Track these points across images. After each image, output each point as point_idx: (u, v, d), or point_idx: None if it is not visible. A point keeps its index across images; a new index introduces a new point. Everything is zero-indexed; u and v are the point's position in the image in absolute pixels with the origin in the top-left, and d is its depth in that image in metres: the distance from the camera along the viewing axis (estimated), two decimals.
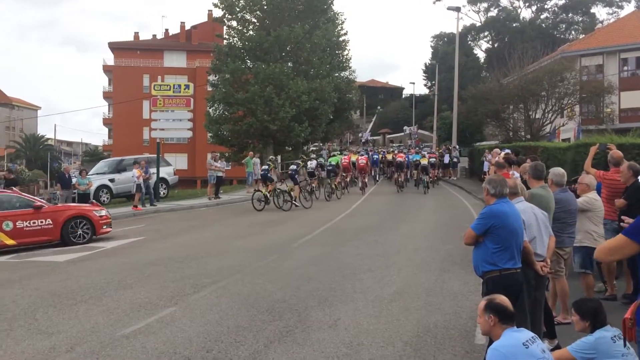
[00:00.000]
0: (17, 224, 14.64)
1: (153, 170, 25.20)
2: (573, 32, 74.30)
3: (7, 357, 6.47)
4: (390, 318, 7.66)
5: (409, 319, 7.61)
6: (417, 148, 43.54)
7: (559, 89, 33.84)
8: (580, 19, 75.07)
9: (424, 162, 30.05)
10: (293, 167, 24.21)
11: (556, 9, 76.47)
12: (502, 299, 4.46)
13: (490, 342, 4.56)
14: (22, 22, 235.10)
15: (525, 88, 33.88)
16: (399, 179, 29.74)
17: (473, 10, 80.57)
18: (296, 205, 21.92)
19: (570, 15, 75.40)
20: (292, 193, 22.28)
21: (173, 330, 7.25)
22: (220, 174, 26.31)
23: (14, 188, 19.36)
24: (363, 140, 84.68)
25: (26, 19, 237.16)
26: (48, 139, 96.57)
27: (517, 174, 10.02)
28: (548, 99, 34.12)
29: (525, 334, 4.34)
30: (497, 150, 20.40)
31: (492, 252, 5.49)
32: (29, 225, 14.84)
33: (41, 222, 15.00)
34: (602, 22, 70.46)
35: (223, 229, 17.56)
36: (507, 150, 19.32)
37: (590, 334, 4.71)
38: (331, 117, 44.11)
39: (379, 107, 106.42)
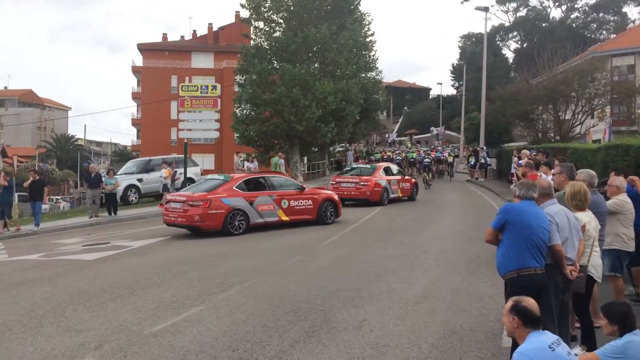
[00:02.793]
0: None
1: (180, 170, 25.43)
2: (604, 32, 73.29)
3: (38, 353, 6.58)
4: (415, 319, 7.64)
5: (435, 321, 7.58)
6: (442, 148, 55.21)
7: (589, 89, 33.28)
8: (611, 19, 73.97)
9: (450, 159, 43.11)
10: (427, 160, 35.98)
11: (587, 8, 75.51)
12: (529, 303, 4.42)
13: (514, 344, 4.52)
14: (53, 24, 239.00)
15: (555, 89, 33.40)
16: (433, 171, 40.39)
17: (502, 10, 79.92)
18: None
19: (601, 14, 74.37)
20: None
21: (200, 329, 7.31)
22: None
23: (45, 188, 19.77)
24: (389, 141, 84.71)
25: (58, 20, 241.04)
26: (78, 139, 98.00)
27: (545, 176, 9.91)
28: (578, 99, 33.59)
29: (550, 337, 4.30)
30: (526, 151, 20.19)
31: (510, 250, 5.52)
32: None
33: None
34: (633, 21, 69.37)
35: (249, 228, 17.61)
36: (533, 152, 19.13)
37: (619, 337, 4.64)
38: (357, 117, 44.08)
39: (405, 108, 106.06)
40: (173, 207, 16.57)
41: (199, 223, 15.92)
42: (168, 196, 18.58)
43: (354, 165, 27.77)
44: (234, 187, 16.70)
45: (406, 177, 26.16)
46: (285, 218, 17.41)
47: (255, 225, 16.69)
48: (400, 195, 24.54)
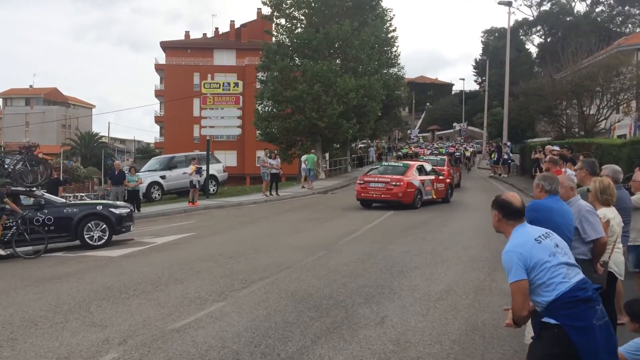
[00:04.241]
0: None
1: (202, 166, 25.57)
2: (630, 26, 72.21)
3: (63, 348, 6.67)
4: (438, 316, 7.61)
5: (457, 317, 7.55)
6: (465, 144, 62.07)
7: (614, 84, 32.84)
8: (637, 12, 72.88)
9: (468, 153, 50.50)
10: (457, 153, 42.65)
11: (612, 1, 74.52)
12: (509, 196, 4.38)
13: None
14: (78, 22, 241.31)
15: (579, 83, 33.03)
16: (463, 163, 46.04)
17: (525, 5, 79.60)
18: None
19: (626, 8, 73.28)
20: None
21: (222, 325, 7.35)
22: (274, 170, 26.66)
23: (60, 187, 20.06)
24: (412, 137, 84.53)
25: (82, 19, 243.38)
26: (102, 136, 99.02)
27: (570, 171, 9.81)
28: (603, 94, 33.18)
29: (537, 230, 4.22)
30: (550, 146, 20.03)
31: None
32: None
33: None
34: None
35: (271, 225, 17.69)
36: (557, 147, 18.96)
37: None
38: (379, 114, 44.03)
39: (428, 104, 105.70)
40: (374, 187, 20.95)
41: (400, 198, 20.43)
42: (366, 178, 21.87)
43: (429, 157, 33.50)
44: (413, 172, 21.44)
45: (456, 167, 31.71)
46: (434, 197, 22.12)
47: (423, 201, 21.25)
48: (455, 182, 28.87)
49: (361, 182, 21.60)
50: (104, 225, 15.06)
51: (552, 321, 3.95)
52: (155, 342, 6.76)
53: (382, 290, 8.97)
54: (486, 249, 12.46)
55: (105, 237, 15.01)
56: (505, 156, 37.99)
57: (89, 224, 14.93)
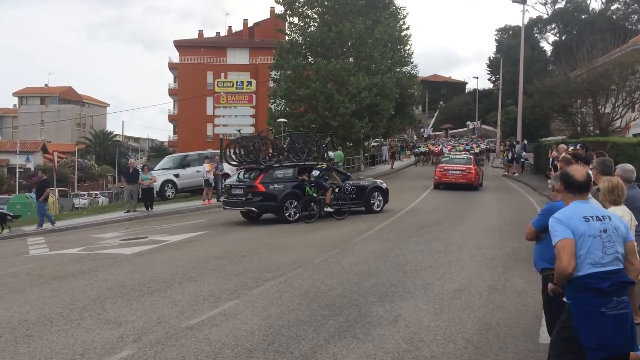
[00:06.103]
0: None
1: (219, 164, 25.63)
2: None
3: (78, 345, 6.71)
4: (451, 315, 7.58)
5: (471, 317, 7.51)
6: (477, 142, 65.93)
7: (630, 82, 32.58)
8: None
9: (477, 150, 54.31)
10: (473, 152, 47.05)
11: None
12: (573, 169, 4.56)
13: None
14: (91, 21, 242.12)
15: (594, 82, 32.80)
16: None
17: (540, 3, 78.79)
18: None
19: None
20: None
21: (235, 323, 7.37)
22: None
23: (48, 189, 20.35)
24: (425, 136, 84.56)
25: (95, 18, 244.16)
26: (116, 135, 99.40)
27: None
28: (618, 92, 32.92)
29: (592, 209, 4.30)
30: (563, 146, 19.87)
31: (549, 246, 5.41)
32: None
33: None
34: None
35: (284, 224, 17.68)
36: (575, 146, 18.79)
37: None
38: (392, 112, 43.93)
39: (441, 102, 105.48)
40: (453, 173, 26.72)
41: (473, 182, 26.36)
42: (445, 166, 27.64)
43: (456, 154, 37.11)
44: (474, 162, 28.06)
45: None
46: (480, 181, 27.80)
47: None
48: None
49: (441, 170, 27.32)
50: (380, 195, 19.18)
51: (565, 300, 4.18)
52: (169, 339, 6.78)
53: (395, 289, 8.96)
54: (500, 248, 12.40)
55: (381, 206, 19.11)
56: (516, 155, 37.69)
57: (373, 194, 19.03)
